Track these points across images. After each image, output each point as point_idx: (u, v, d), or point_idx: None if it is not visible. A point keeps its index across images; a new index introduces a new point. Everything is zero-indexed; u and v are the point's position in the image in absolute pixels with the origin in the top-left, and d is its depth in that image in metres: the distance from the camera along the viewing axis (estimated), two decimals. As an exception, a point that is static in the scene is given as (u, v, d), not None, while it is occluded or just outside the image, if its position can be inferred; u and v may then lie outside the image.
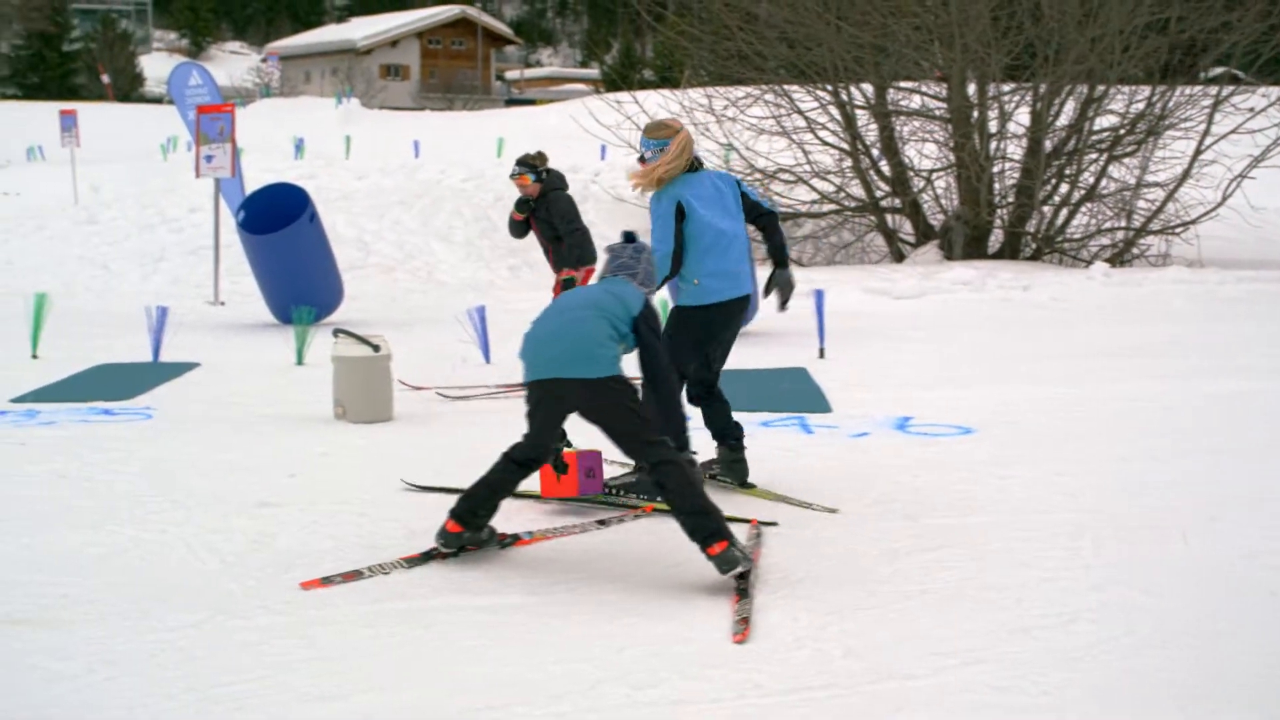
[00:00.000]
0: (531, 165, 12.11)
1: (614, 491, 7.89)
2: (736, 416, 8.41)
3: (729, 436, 8.29)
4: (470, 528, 6.69)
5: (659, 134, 8.06)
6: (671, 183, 7.99)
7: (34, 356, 13.95)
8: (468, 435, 9.80)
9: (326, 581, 6.28)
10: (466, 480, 6.93)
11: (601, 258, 6.96)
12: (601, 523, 7.39)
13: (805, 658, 5.38)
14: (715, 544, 6.25)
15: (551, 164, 12.38)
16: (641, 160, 8.10)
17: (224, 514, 7.65)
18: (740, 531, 6.88)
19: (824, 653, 5.43)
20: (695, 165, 8.11)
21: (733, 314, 8.11)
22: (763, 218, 8.29)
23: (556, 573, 6.50)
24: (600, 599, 6.11)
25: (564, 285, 10.95)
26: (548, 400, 6.65)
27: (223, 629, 5.73)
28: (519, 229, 12.49)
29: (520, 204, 12.29)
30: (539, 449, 6.76)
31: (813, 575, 6.43)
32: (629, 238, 7.08)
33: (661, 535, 7.07)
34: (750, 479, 8.28)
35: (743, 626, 5.79)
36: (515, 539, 6.91)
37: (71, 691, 5.06)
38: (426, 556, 6.64)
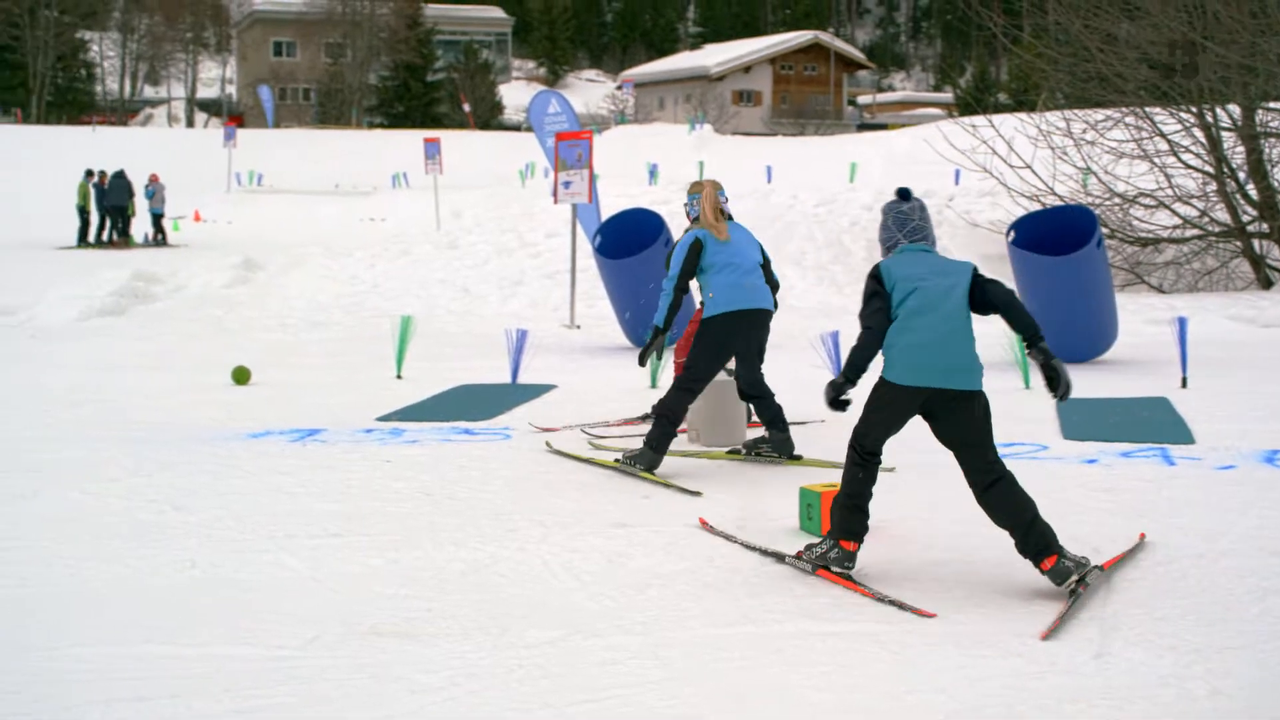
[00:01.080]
0: None
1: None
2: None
3: (779, 421, 9.83)
4: (859, 538, 6.78)
5: (693, 190, 9.87)
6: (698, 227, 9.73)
7: (399, 377, 14.42)
8: (814, 459, 9.78)
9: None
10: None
11: (885, 228, 7.12)
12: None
13: (1170, 697, 5.20)
14: (1047, 558, 6.46)
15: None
16: (688, 213, 9.92)
17: (580, 533, 7.78)
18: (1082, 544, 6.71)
19: (1189, 692, 5.25)
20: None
21: (751, 321, 9.58)
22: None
23: (910, 600, 6.42)
24: (952, 629, 6.01)
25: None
26: (908, 405, 6.68)
27: (579, 647, 5.81)
28: None
29: None
30: (879, 445, 6.80)
31: (1178, 612, 6.21)
32: (904, 195, 7.13)
33: (1015, 565, 6.93)
34: (797, 451, 9.93)
35: (1053, 622, 6.04)
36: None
37: (434, 704, 5.19)
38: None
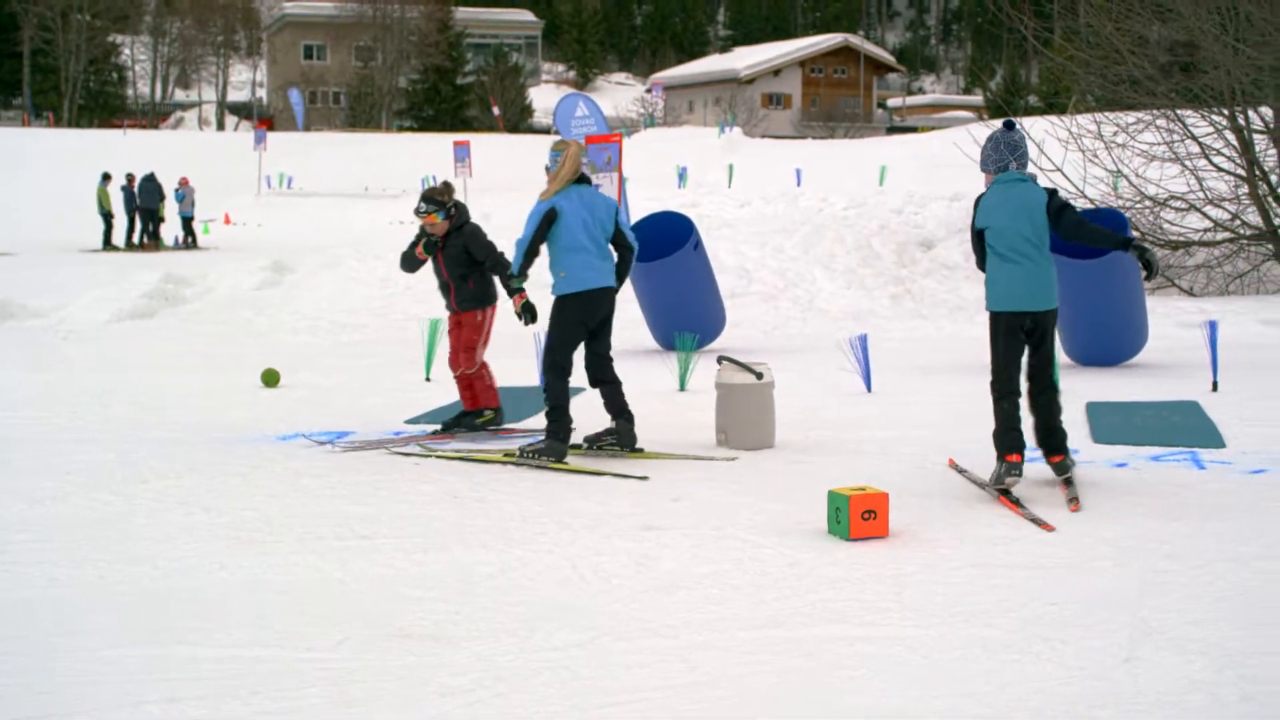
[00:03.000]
0: (440, 203, 11.15)
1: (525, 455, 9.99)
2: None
3: (625, 412, 10.33)
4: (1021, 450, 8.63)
5: (557, 148, 10.33)
6: (557, 193, 10.06)
7: (427, 379, 14.46)
8: (848, 464, 9.74)
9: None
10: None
11: (990, 151, 8.72)
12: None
13: (1201, 702, 5.17)
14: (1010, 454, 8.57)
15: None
16: (547, 170, 10.25)
17: (608, 536, 7.77)
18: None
19: (1220, 698, 5.21)
20: (582, 179, 10.21)
21: (600, 300, 10.13)
22: (622, 249, 10.38)
23: (938, 605, 6.41)
24: (981, 634, 5.98)
25: (525, 310, 10.23)
26: (1014, 329, 8.63)
27: (607, 650, 5.81)
28: (414, 265, 11.49)
29: (429, 246, 11.26)
30: (1013, 371, 8.69)
31: (1210, 618, 6.17)
32: (1009, 125, 8.65)
33: (1045, 569, 6.92)
34: (639, 445, 10.40)
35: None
36: None
37: (461, 706, 5.19)
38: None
